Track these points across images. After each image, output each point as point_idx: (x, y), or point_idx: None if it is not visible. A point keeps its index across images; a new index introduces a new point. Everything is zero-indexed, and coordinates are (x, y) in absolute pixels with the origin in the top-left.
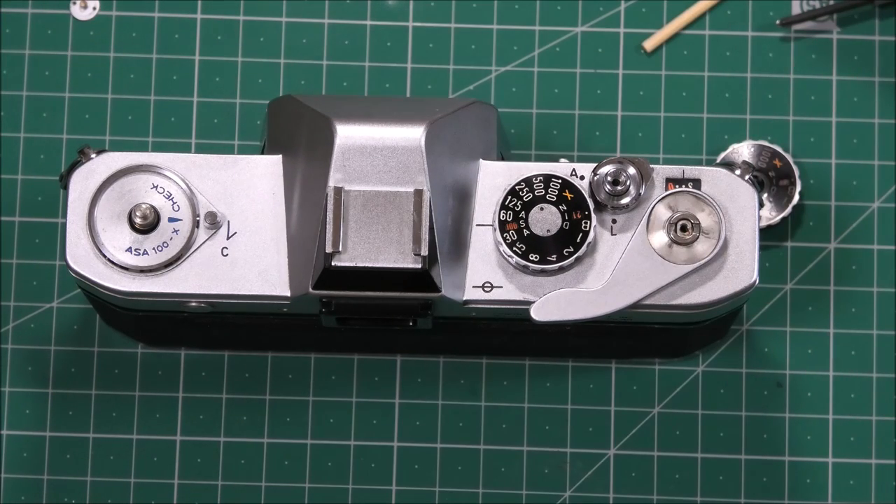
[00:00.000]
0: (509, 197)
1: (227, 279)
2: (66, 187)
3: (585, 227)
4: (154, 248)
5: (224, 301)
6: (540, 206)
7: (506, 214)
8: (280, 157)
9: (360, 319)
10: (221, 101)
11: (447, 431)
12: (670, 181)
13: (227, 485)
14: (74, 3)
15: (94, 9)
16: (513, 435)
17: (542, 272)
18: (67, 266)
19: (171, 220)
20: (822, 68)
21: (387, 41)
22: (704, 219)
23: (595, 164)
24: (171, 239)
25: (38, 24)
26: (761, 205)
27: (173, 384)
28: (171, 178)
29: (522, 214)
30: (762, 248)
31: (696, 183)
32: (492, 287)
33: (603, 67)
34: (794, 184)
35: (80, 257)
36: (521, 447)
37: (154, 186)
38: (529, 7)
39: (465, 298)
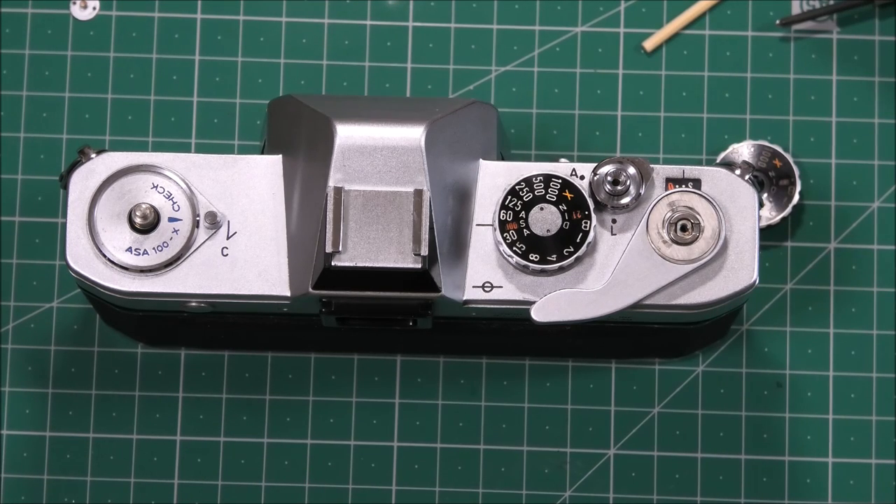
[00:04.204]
0: (509, 197)
1: (227, 279)
2: (66, 187)
3: (585, 227)
4: (154, 248)
5: (224, 301)
6: (540, 205)
7: (506, 214)
8: (280, 156)
9: (360, 319)
10: (221, 101)
11: (447, 431)
12: (670, 181)
13: (227, 485)
14: (74, 3)
15: (94, 9)
16: (513, 435)
17: (542, 272)
18: (67, 266)
19: (171, 219)
20: (822, 68)
21: (387, 41)
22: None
23: (595, 164)
24: (171, 239)
25: (38, 24)
26: (761, 205)
27: (173, 384)
28: (171, 178)
29: (522, 214)
30: (762, 248)
31: (696, 183)
32: (492, 287)
33: (603, 67)
34: (794, 184)
35: (80, 257)
36: (521, 447)
37: (154, 186)
38: (529, 7)
39: (465, 298)
